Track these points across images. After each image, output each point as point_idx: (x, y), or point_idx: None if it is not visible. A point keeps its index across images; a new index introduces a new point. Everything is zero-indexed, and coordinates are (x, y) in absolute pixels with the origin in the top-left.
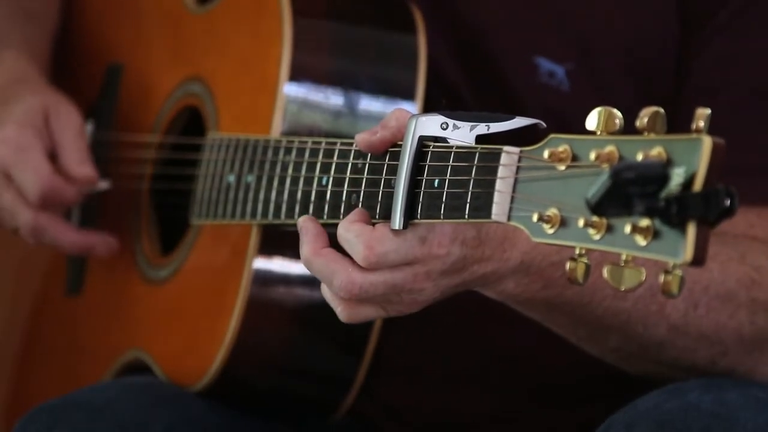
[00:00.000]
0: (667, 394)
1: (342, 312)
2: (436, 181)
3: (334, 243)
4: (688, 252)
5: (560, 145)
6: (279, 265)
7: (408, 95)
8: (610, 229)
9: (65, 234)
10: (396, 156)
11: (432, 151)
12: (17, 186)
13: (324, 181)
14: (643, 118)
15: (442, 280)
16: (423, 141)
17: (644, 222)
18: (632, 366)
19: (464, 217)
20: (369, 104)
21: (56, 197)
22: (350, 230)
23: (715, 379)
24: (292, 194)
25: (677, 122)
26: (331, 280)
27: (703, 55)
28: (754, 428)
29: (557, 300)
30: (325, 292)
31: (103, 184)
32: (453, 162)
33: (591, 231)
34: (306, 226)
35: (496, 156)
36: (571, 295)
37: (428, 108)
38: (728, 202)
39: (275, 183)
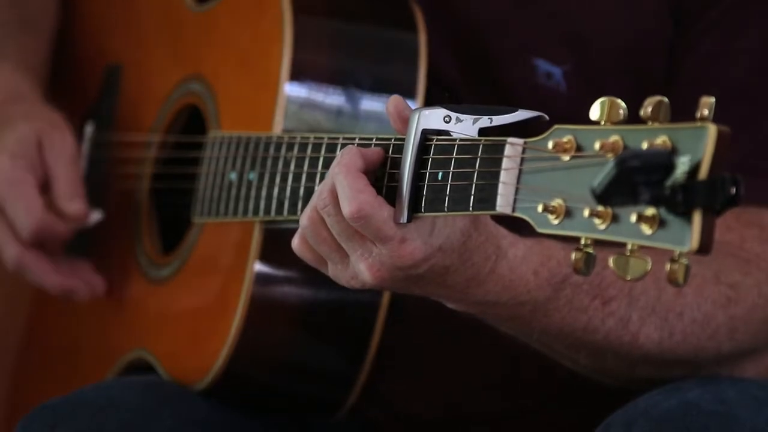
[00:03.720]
0: (667, 392)
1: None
2: (440, 174)
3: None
4: (694, 240)
5: (564, 135)
6: (282, 263)
7: (408, 94)
8: (615, 218)
9: (48, 276)
10: (399, 149)
11: (435, 144)
12: (9, 220)
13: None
14: (647, 108)
15: (389, 274)
16: (426, 134)
17: (650, 211)
18: (604, 380)
19: (469, 210)
20: (370, 102)
21: (47, 235)
22: (353, 179)
23: (715, 378)
24: (295, 191)
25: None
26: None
27: (693, 52)
28: (753, 427)
29: (524, 328)
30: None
31: (96, 216)
32: (456, 155)
33: (596, 221)
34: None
35: (500, 148)
36: (539, 328)
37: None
38: (734, 190)
39: (277, 179)
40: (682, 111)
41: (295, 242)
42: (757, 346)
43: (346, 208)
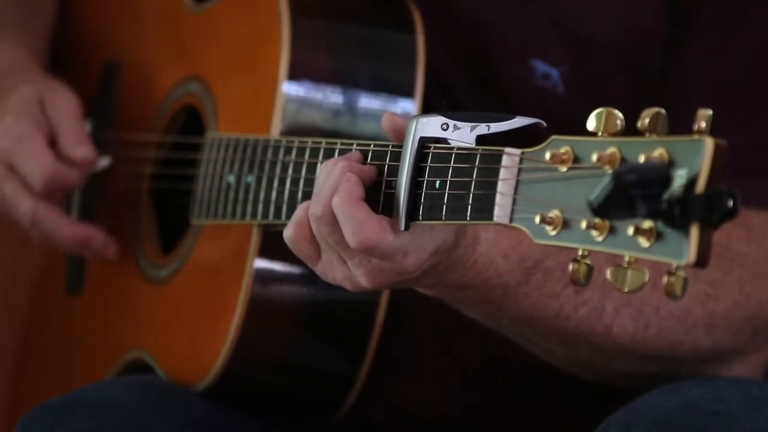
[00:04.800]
0: (666, 392)
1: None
2: (437, 182)
3: None
4: (691, 254)
5: (562, 146)
6: (280, 264)
7: (407, 94)
8: (612, 230)
9: (63, 225)
10: (396, 157)
11: (433, 153)
12: (21, 176)
13: None
14: (644, 119)
15: (387, 280)
16: (424, 142)
17: (647, 224)
18: (585, 374)
19: (466, 219)
20: (368, 103)
21: (60, 183)
22: (355, 209)
23: (714, 378)
24: (293, 195)
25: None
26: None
27: (689, 52)
28: (752, 427)
29: (494, 314)
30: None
31: (104, 161)
32: (454, 163)
33: (593, 233)
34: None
35: (497, 157)
36: (509, 314)
37: (427, 108)
38: (731, 203)
39: (275, 183)
40: (677, 111)
41: (290, 232)
42: (739, 346)
43: (352, 240)
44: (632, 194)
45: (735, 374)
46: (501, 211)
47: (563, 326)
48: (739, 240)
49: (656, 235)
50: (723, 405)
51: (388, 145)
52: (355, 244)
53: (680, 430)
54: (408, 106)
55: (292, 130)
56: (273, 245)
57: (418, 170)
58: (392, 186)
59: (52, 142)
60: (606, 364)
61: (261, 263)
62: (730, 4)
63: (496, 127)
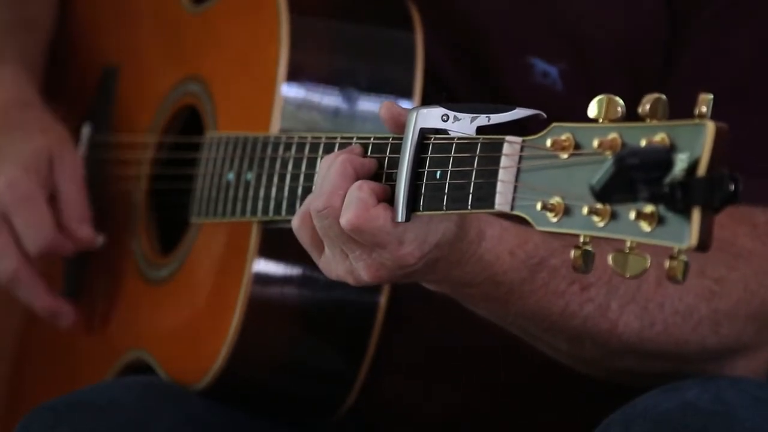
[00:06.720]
0: (666, 392)
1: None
2: (438, 172)
3: None
4: (693, 237)
5: (563, 133)
6: (280, 264)
7: (406, 93)
8: (614, 216)
9: (41, 294)
10: (397, 149)
11: (433, 143)
12: (16, 234)
13: None
14: (645, 105)
15: (388, 274)
16: (424, 133)
17: (648, 208)
18: (588, 370)
19: (467, 208)
20: (367, 102)
21: (54, 253)
22: (361, 190)
23: (714, 378)
24: (293, 190)
25: None
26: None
27: (687, 52)
28: (752, 427)
29: (499, 310)
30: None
31: (99, 240)
32: (455, 153)
33: (595, 218)
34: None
35: (498, 146)
36: (515, 310)
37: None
38: (733, 187)
39: (275, 180)
40: (675, 110)
41: (296, 223)
42: (744, 343)
43: (342, 218)
44: (634, 178)
45: (739, 373)
46: (502, 198)
47: (569, 323)
48: (745, 236)
49: (658, 219)
50: (723, 405)
51: (388, 138)
52: (345, 221)
53: (680, 430)
54: (407, 105)
55: (292, 130)
56: (273, 245)
57: (418, 161)
58: (393, 178)
59: (51, 202)
60: (611, 362)
61: (261, 263)
62: (730, 4)
63: (497, 118)
